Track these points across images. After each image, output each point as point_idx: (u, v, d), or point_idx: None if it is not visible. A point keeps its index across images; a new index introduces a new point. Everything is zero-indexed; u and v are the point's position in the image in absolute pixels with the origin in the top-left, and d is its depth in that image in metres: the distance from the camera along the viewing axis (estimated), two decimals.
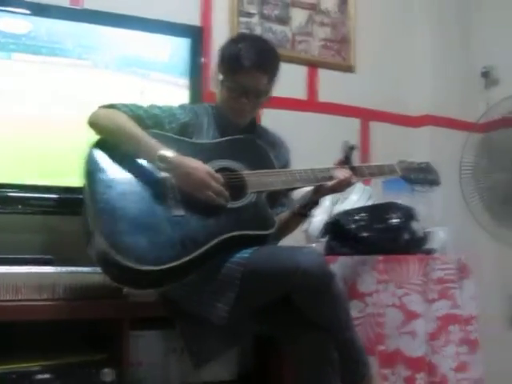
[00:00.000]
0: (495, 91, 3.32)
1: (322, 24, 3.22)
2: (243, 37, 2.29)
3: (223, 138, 2.10)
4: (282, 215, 2.17)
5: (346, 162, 2.14)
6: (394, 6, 3.42)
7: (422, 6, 3.45)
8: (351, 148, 2.17)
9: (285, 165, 2.23)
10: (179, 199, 1.89)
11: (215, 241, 1.85)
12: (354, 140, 3.09)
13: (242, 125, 2.15)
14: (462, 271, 2.35)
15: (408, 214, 2.36)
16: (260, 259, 1.87)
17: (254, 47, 2.07)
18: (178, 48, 2.55)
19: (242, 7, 2.99)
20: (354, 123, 3.23)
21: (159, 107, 2.07)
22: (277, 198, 2.14)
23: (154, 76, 2.51)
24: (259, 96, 2.09)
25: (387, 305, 2.23)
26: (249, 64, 2.03)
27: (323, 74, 3.18)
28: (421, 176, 2.28)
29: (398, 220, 2.34)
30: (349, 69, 3.25)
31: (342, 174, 2.08)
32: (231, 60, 2.06)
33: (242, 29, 2.94)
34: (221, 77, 2.10)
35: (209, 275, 1.88)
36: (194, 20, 2.81)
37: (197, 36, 2.61)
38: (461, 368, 2.31)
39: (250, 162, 2.04)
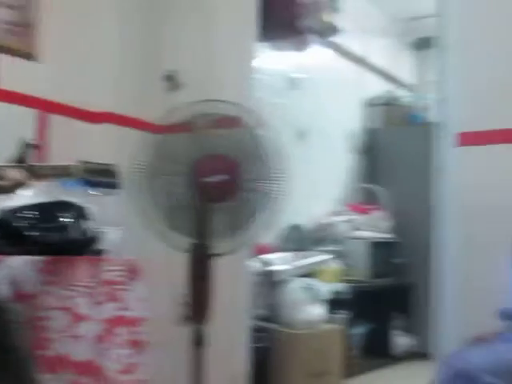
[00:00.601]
0: (178, 95, 3.41)
1: (7, 6, 3.00)
2: None
3: None
4: None
5: (21, 160, 2.01)
6: None
7: (113, 3, 3.40)
8: (28, 146, 2.05)
9: None
10: None
11: None
12: (32, 133, 2.95)
13: None
14: (132, 273, 2.35)
15: (80, 213, 2.29)
16: None
17: None
18: None
19: None
20: (33, 114, 3.05)
21: None
22: None
23: None
24: None
25: (53, 307, 2.15)
26: None
27: (4, 59, 2.96)
28: (100, 179, 2.25)
29: (69, 219, 2.26)
30: (32, 56, 3.07)
31: (16, 174, 1.95)
32: None
33: None
34: None
35: None
36: None
37: None
38: (127, 370, 2.31)
39: None
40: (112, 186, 2.27)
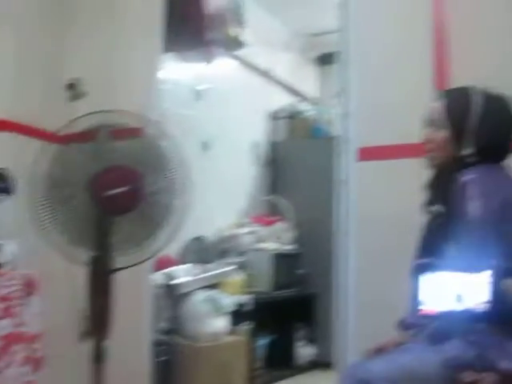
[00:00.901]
0: (80, 105, 3.33)
1: None
2: None
3: None
4: None
5: None
6: None
7: (10, 8, 3.26)
8: None
9: None
10: None
11: None
12: None
13: None
14: (29, 288, 2.27)
15: None
16: None
17: None
18: None
19: None
20: None
21: None
22: None
23: None
24: None
25: None
26: None
27: None
28: None
29: None
30: None
31: None
32: None
33: None
34: None
35: None
36: None
37: None
38: None
39: None
40: (3, 190, 2.18)
